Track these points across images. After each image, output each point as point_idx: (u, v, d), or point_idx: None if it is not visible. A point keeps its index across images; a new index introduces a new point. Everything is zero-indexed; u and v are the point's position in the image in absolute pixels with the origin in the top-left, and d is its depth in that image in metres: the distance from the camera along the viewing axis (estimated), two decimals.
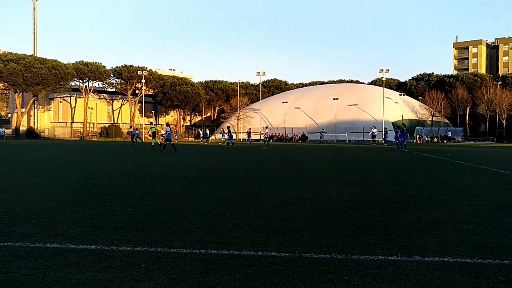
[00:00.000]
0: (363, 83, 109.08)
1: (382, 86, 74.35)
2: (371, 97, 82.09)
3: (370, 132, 51.24)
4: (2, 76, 68.46)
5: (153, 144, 39.62)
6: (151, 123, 46.60)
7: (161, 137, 33.83)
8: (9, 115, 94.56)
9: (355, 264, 4.61)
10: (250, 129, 59.34)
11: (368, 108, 78.78)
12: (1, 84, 75.73)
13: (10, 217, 6.88)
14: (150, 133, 42.86)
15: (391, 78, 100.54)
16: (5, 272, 4.26)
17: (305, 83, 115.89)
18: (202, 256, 4.85)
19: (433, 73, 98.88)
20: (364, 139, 68.08)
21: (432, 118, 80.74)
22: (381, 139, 57.92)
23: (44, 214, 7.20)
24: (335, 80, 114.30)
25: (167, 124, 30.87)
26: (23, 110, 76.95)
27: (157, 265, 4.53)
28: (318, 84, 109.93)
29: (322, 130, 63.74)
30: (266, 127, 56.19)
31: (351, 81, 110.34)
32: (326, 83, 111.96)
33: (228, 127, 47.28)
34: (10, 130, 79.40)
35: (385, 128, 51.83)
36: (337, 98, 76.96)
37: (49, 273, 4.26)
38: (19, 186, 10.86)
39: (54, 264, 4.52)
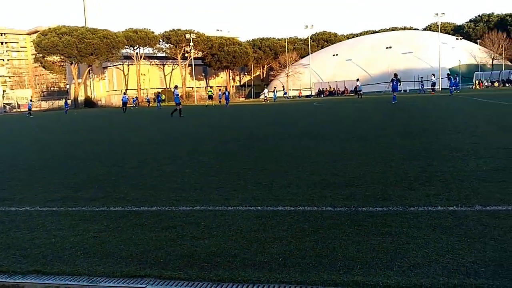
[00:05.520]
0: (417, 29, 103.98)
1: (438, 31, 70.57)
2: (426, 43, 78.15)
3: (430, 80, 49.17)
4: (58, 49, 71.08)
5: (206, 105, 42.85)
6: (210, 86, 48.89)
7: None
8: (67, 86, 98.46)
9: (413, 216, 4.52)
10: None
11: (423, 55, 75.30)
12: (58, 57, 78.58)
13: (76, 183, 7.26)
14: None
15: (447, 22, 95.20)
16: (75, 235, 4.53)
17: (356, 34, 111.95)
18: (259, 213, 4.93)
19: (493, 13, 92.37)
20: (419, 88, 65.43)
21: (492, 62, 76.18)
22: (438, 87, 55.66)
23: (106, 179, 7.54)
24: (388, 28, 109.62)
25: (175, 87, 29.38)
26: (80, 80, 79.84)
27: (215, 223, 4.66)
28: (369, 34, 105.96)
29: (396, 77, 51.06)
30: (358, 80, 50.76)
31: (404, 28, 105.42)
32: (378, 31, 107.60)
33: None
34: (69, 101, 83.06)
35: (448, 74, 49.03)
36: (390, 47, 74.01)
37: (115, 234, 4.49)
38: (84, 154, 11.39)
39: (118, 226, 4.75)
